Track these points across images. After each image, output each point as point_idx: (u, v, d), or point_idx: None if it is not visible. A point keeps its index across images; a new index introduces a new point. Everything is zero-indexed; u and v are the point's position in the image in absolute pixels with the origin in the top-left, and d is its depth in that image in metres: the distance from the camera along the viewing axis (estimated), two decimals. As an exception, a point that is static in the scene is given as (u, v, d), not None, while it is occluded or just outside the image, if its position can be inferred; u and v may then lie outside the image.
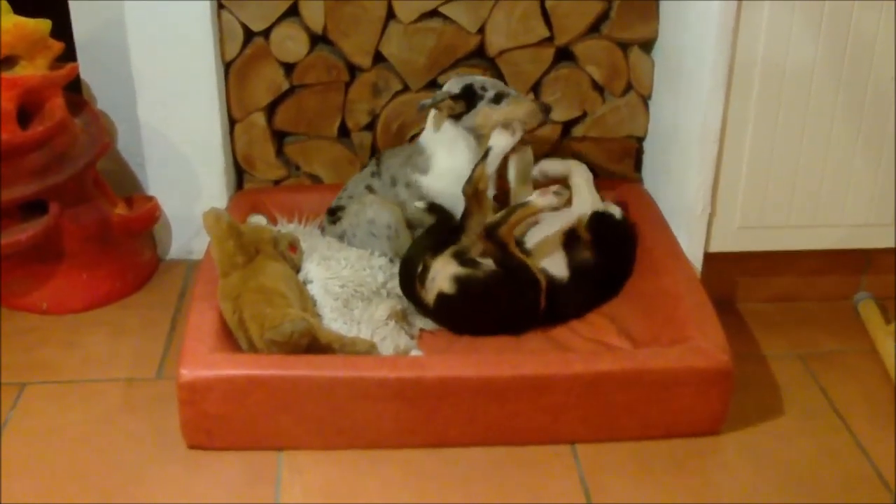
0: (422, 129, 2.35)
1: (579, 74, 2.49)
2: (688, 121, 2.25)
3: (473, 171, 2.19)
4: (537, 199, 2.14)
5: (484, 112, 2.24)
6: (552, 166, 2.35)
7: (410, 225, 2.30)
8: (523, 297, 2.14)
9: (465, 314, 2.15)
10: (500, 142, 2.20)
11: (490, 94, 2.24)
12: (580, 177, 2.32)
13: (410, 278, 2.16)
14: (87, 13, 2.35)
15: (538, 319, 2.16)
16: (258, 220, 2.38)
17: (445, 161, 2.29)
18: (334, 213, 2.36)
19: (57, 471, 1.87)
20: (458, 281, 2.12)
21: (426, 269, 2.15)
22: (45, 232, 2.25)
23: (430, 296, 2.14)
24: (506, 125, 2.22)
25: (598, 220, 2.26)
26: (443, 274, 2.13)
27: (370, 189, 2.34)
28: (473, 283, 2.12)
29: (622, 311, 2.21)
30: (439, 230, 2.22)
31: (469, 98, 2.24)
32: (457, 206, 2.24)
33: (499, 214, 2.15)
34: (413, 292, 2.17)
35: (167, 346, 2.23)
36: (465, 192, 2.20)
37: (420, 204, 2.27)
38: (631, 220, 2.35)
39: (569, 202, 2.26)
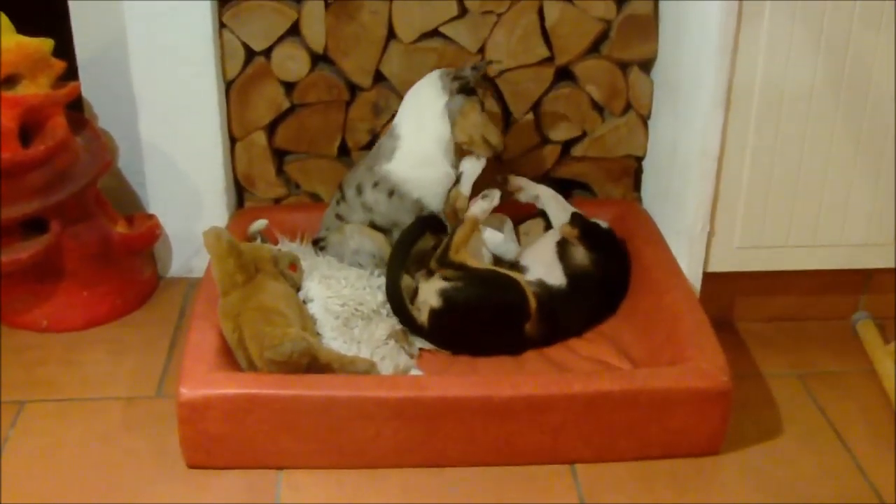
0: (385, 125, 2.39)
1: (579, 94, 2.50)
2: (687, 140, 2.26)
3: (449, 192, 2.26)
4: (471, 211, 2.22)
5: (472, 105, 2.24)
6: (517, 181, 2.41)
7: (383, 229, 2.30)
8: (507, 296, 2.16)
9: (457, 327, 2.16)
10: (470, 167, 2.26)
11: (481, 98, 2.27)
12: (544, 191, 2.39)
13: (400, 303, 2.17)
14: (89, 32, 2.36)
15: (530, 322, 2.16)
16: (260, 224, 2.38)
17: (410, 141, 2.27)
18: (317, 244, 2.38)
19: (56, 489, 1.87)
20: (444, 294, 2.14)
21: (416, 292, 2.18)
22: (46, 250, 2.26)
23: (423, 316, 2.15)
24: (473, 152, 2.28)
25: (580, 218, 2.32)
26: (430, 291, 2.15)
27: (340, 217, 2.34)
28: (458, 291, 2.14)
29: (621, 330, 2.21)
30: (405, 245, 2.24)
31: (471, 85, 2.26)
32: (422, 192, 2.27)
33: (442, 243, 2.21)
34: (407, 316, 2.17)
35: (167, 365, 2.23)
36: (444, 212, 2.27)
37: None
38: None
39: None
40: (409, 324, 2.17)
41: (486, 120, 2.26)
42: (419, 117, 2.27)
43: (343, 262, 2.30)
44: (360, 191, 2.31)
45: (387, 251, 2.28)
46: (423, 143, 2.27)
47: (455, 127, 2.24)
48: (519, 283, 2.17)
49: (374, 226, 2.30)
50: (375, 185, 2.29)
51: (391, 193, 2.28)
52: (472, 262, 2.19)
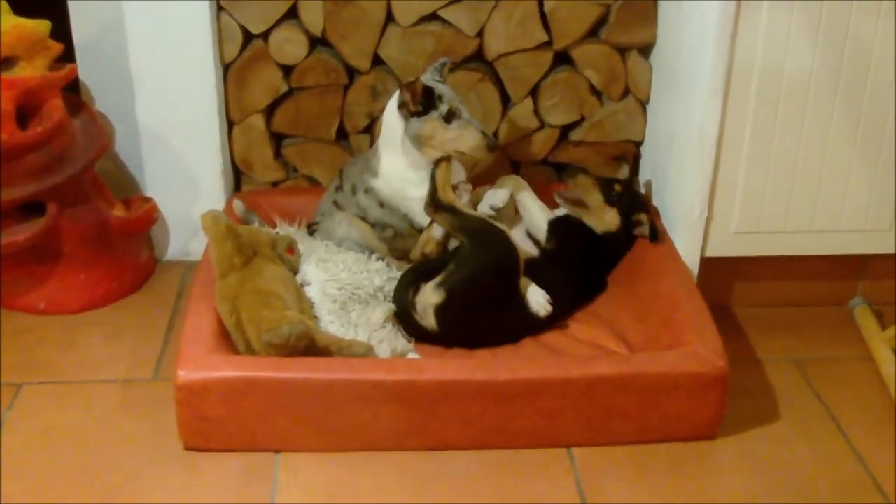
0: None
1: (577, 79, 2.49)
2: (685, 126, 2.25)
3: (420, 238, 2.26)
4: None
5: (432, 125, 2.17)
6: (496, 198, 2.30)
7: (376, 225, 2.30)
8: (500, 246, 2.14)
9: (466, 307, 2.12)
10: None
11: (443, 109, 2.17)
12: (521, 192, 2.33)
13: (407, 316, 2.14)
14: (87, 15, 2.35)
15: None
16: (237, 206, 2.37)
17: (388, 162, 2.26)
18: (310, 228, 2.38)
19: (54, 471, 1.87)
20: (442, 285, 2.11)
21: (414, 306, 2.14)
22: (44, 232, 2.26)
23: (429, 319, 2.11)
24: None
25: (557, 225, 2.31)
26: (427, 295, 2.11)
27: (336, 204, 2.34)
28: (452, 275, 2.11)
29: (619, 315, 2.21)
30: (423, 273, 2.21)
31: (426, 102, 2.18)
32: (408, 208, 2.26)
33: (427, 189, 2.19)
34: (416, 328, 2.13)
35: (164, 348, 2.23)
36: (413, 258, 2.28)
37: None
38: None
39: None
40: (420, 335, 2.14)
41: (455, 132, 2.18)
42: (392, 142, 2.24)
43: None
44: (354, 191, 2.31)
45: (373, 239, 2.28)
46: (400, 168, 2.25)
47: (423, 152, 2.21)
48: (503, 229, 2.15)
49: (365, 219, 2.31)
50: (366, 191, 2.29)
51: (381, 204, 2.28)
52: (461, 205, 2.19)
